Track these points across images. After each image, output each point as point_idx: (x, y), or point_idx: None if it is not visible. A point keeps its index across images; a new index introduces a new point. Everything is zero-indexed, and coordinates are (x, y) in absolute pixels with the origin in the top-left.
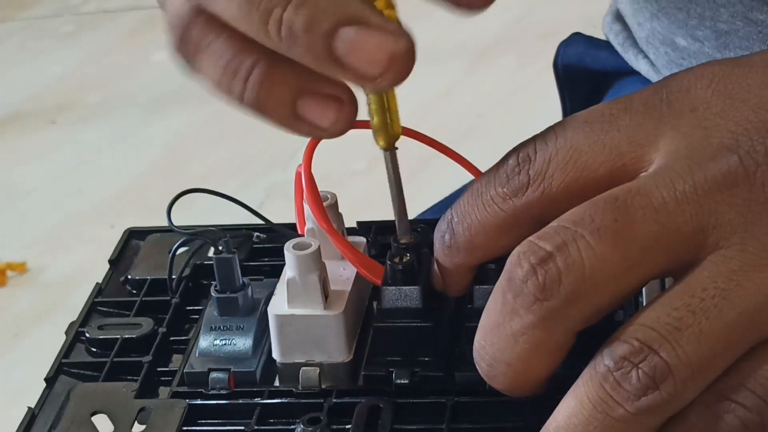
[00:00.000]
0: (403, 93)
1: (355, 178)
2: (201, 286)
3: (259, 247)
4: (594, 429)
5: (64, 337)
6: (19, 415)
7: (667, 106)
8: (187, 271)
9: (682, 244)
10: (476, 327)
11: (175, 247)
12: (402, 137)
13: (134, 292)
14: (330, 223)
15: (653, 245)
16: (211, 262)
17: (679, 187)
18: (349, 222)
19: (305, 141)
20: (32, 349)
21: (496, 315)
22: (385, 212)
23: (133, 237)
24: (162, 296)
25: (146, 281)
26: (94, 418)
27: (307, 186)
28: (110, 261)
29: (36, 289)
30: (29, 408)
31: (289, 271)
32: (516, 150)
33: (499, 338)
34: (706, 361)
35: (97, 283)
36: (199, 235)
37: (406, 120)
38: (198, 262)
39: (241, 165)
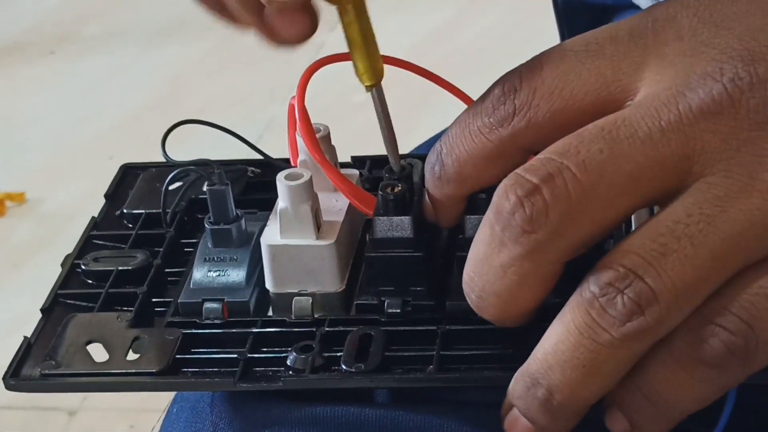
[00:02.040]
0: (403, 28)
1: (355, 110)
2: (196, 220)
3: (254, 182)
4: (581, 355)
5: (60, 269)
6: (16, 345)
7: (653, 35)
8: (182, 206)
9: (667, 173)
10: (467, 257)
11: (168, 179)
12: (399, 69)
13: (130, 226)
14: (322, 154)
15: (639, 176)
16: (206, 196)
17: (664, 117)
18: (346, 155)
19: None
20: (30, 279)
21: (485, 247)
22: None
23: (129, 172)
24: (157, 229)
25: (141, 215)
26: (89, 347)
27: (300, 117)
28: (106, 196)
29: (35, 220)
30: (25, 337)
31: (281, 202)
32: (501, 80)
33: (488, 270)
34: (690, 286)
35: (93, 217)
36: (193, 168)
37: (405, 56)
38: (193, 196)
39: (241, 98)
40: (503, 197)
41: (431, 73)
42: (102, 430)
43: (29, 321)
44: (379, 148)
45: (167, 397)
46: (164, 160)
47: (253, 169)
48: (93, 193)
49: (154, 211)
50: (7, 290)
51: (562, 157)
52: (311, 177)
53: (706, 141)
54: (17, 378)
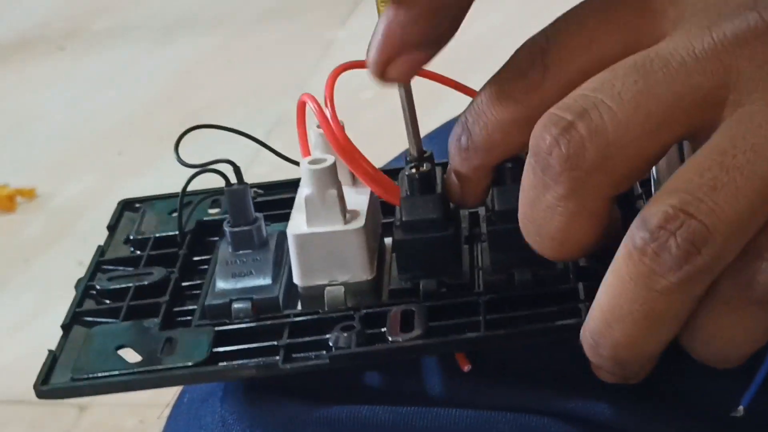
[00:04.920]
0: None
1: (363, 107)
2: (206, 243)
3: (259, 202)
4: (639, 307)
5: (72, 263)
6: (28, 339)
7: None
8: (191, 227)
9: (704, 101)
10: (500, 230)
11: (186, 181)
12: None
13: (138, 252)
14: (350, 142)
15: (676, 104)
16: (214, 218)
17: (698, 46)
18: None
19: (314, 70)
20: (41, 274)
21: (530, 192)
22: (393, 144)
23: (127, 207)
24: (169, 249)
25: (150, 239)
26: (120, 352)
27: (331, 109)
28: (108, 227)
29: (45, 215)
30: (50, 351)
31: (306, 189)
32: (526, 44)
33: (537, 214)
34: (745, 217)
35: (99, 246)
36: (209, 168)
37: None
38: (201, 219)
39: (250, 93)
40: (540, 138)
41: (437, 75)
42: (112, 424)
43: (40, 316)
44: (387, 146)
45: (177, 392)
46: (161, 194)
47: (256, 189)
48: (102, 189)
49: (163, 234)
50: (19, 285)
51: (596, 92)
52: (335, 161)
53: (743, 68)
54: (48, 384)
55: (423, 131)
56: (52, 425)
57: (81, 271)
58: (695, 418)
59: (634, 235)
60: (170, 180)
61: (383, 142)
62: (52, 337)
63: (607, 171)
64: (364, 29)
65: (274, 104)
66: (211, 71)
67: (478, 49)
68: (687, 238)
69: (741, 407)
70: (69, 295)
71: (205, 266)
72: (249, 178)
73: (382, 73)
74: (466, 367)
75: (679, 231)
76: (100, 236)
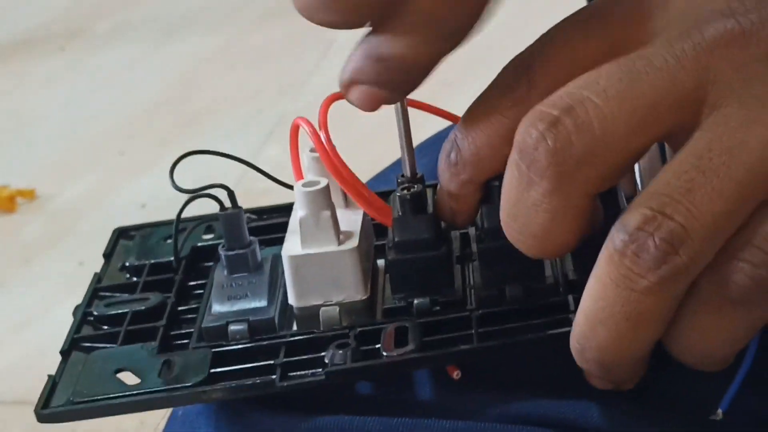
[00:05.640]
0: None
1: (357, 114)
2: (201, 268)
3: (252, 227)
4: (621, 308)
5: (73, 264)
6: (28, 340)
7: None
8: (185, 253)
9: (685, 100)
10: (490, 247)
11: (181, 208)
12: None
13: (135, 279)
14: (344, 165)
15: (659, 102)
16: (209, 244)
17: (677, 47)
18: (349, 156)
19: (315, 70)
20: (41, 275)
21: (514, 190)
22: (387, 150)
23: (122, 235)
24: (164, 275)
25: (146, 265)
26: (118, 375)
27: (324, 131)
28: (104, 255)
29: (45, 216)
30: (49, 376)
31: (300, 211)
32: (513, 62)
33: (521, 212)
34: (721, 218)
35: (96, 273)
36: (204, 193)
37: None
38: (195, 244)
39: (251, 94)
40: (525, 133)
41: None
42: (111, 426)
43: (40, 317)
44: (379, 153)
45: None
46: (155, 221)
47: (249, 215)
48: (103, 190)
49: (158, 260)
50: (19, 286)
51: (582, 89)
52: (328, 183)
53: (720, 70)
54: (48, 408)
55: (415, 141)
56: (52, 427)
57: (81, 272)
58: (686, 423)
59: (614, 237)
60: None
61: (378, 147)
62: (52, 338)
63: (593, 166)
64: (364, 30)
65: (275, 104)
66: (212, 71)
67: (478, 49)
68: (665, 238)
69: (720, 410)
70: (69, 296)
71: (201, 291)
72: (245, 191)
73: (345, 93)
74: (456, 373)
75: (657, 232)
76: (101, 237)
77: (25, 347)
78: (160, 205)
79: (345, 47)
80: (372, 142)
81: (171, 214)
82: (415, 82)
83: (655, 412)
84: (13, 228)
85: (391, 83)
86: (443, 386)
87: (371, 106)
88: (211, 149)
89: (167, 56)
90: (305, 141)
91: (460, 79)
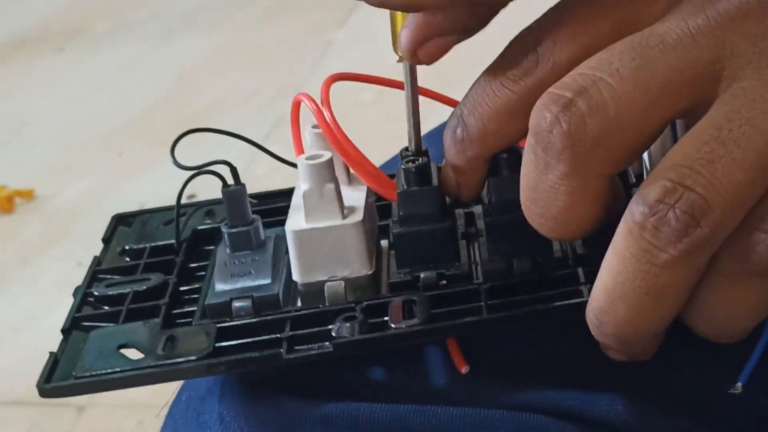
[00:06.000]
0: None
1: (361, 108)
2: (202, 251)
3: (254, 211)
4: (641, 282)
5: (71, 264)
6: (26, 341)
7: None
8: (186, 235)
9: (700, 76)
10: (498, 221)
11: (183, 184)
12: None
13: (134, 262)
14: (346, 138)
15: (673, 79)
16: (209, 227)
17: (692, 23)
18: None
19: (314, 70)
20: (39, 275)
21: (532, 173)
22: (390, 145)
23: (120, 222)
24: (165, 257)
25: (146, 248)
26: (122, 351)
27: (327, 108)
28: (103, 240)
29: (44, 216)
30: (51, 353)
31: (304, 185)
32: (519, 35)
33: (539, 195)
34: (742, 189)
35: (95, 256)
36: (206, 170)
37: None
38: (197, 227)
39: (249, 95)
40: (540, 117)
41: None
42: (111, 426)
43: (39, 317)
44: (385, 148)
45: (175, 392)
46: (154, 207)
47: (250, 199)
48: (102, 190)
49: (158, 243)
50: (17, 286)
51: (595, 70)
52: (332, 156)
53: (735, 43)
54: (51, 383)
55: (423, 129)
56: (51, 426)
57: (80, 272)
58: (692, 414)
59: (633, 210)
60: (170, 181)
61: (381, 143)
62: (51, 338)
63: (608, 147)
64: (364, 30)
65: (274, 105)
66: (211, 72)
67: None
68: (686, 210)
69: (739, 384)
70: (68, 296)
71: (203, 273)
72: (248, 179)
73: (412, 54)
74: (464, 369)
75: (678, 204)
76: (99, 237)
77: (24, 347)
78: (159, 204)
79: (344, 47)
80: (373, 141)
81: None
82: None
83: (663, 403)
84: (11, 228)
85: None
86: (451, 375)
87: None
88: (209, 151)
89: (167, 56)
90: (306, 120)
91: (460, 79)
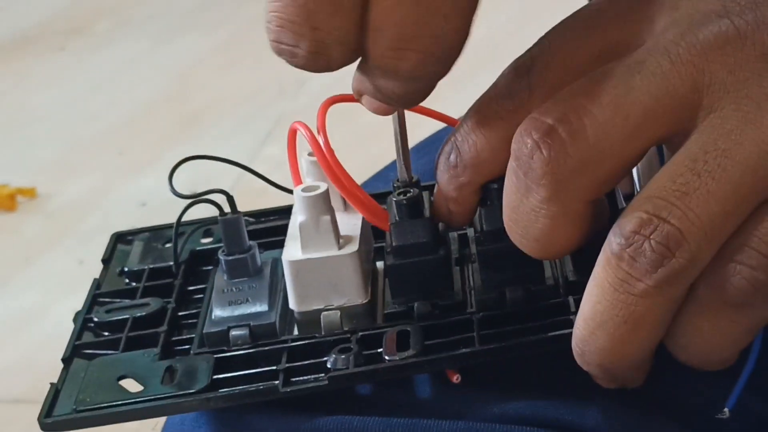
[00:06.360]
0: None
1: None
2: (200, 272)
3: (251, 230)
4: (620, 311)
5: (73, 262)
6: (28, 339)
7: None
8: (184, 257)
9: (680, 104)
10: (489, 250)
11: (180, 213)
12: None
13: (134, 284)
14: (342, 169)
15: (653, 107)
16: (207, 247)
17: (672, 51)
18: (347, 157)
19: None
20: (42, 274)
21: (514, 195)
22: (388, 147)
23: (120, 240)
24: (164, 280)
25: (145, 270)
26: (121, 383)
27: (323, 134)
28: (103, 260)
29: (45, 214)
30: (52, 384)
31: (300, 216)
32: (512, 64)
33: (521, 216)
34: (717, 220)
35: (95, 279)
36: (203, 198)
37: None
38: (194, 249)
39: (250, 94)
40: (520, 142)
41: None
42: (110, 426)
43: (41, 315)
44: (377, 154)
45: None
46: (153, 225)
47: (247, 218)
48: (104, 188)
49: (157, 265)
50: (19, 284)
51: (575, 97)
52: (327, 188)
53: (714, 72)
54: (52, 417)
55: (412, 141)
56: None
57: (81, 271)
58: (685, 425)
59: (612, 241)
60: None
61: (379, 145)
62: (52, 337)
63: (588, 173)
64: None
65: (274, 104)
66: (211, 71)
67: (480, 49)
68: (660, 241)
69: (726, 409)
70: (69, 295)
71: (201, 295)
72: (243, 192)
73: (356, 98)
74: (455, 378)
75: (653, 235)
76: (101, 236)
77: (24, 346)
78: (160, 203)
79: None
80: (371, 141)
81: (171, 213)
82: (418, 100)
83: (655, 414)
84: (13, 226)
85: (391, 101)
86: (443, 387)
87: (381, 113)
88: (210, 150)
89: (167, 55)
90: (303, 145)
91: (460, 79)
